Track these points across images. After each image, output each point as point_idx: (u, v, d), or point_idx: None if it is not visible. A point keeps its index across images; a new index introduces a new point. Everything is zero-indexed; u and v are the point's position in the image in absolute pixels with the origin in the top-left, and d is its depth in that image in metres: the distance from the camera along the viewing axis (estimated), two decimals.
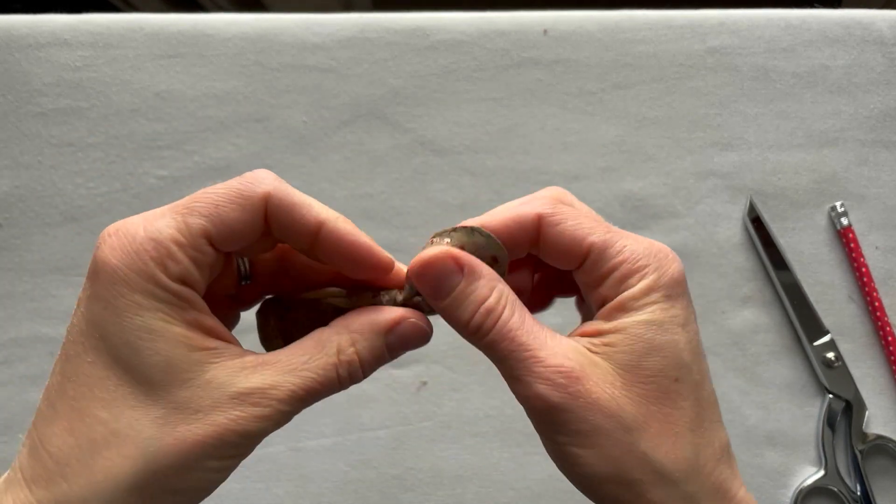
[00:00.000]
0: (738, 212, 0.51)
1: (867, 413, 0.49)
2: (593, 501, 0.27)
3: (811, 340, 0.50)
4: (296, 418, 0.47)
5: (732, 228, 0.51)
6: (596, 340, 0.26)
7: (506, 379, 0.26)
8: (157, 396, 0.23)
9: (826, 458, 0.49)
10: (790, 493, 0.49)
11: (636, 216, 0.51)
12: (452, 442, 0.49)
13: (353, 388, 0.51)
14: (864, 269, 0.50)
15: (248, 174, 0.26)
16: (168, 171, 0.50)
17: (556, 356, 0.25)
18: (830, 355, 0.49)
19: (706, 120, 0.52)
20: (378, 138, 0.51)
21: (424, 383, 0.50)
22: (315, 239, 0.26)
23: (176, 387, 0.23)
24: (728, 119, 0.52)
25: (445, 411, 0.49)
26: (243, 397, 0.24)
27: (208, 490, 0.25)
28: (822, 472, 0.49)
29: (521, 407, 0.27)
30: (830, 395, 0.49)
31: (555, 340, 0.26)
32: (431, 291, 0.26)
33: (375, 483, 0.49)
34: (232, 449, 0.24)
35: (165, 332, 0.24)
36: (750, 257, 0.51)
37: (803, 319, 0.50)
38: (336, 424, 0.49)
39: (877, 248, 0.51)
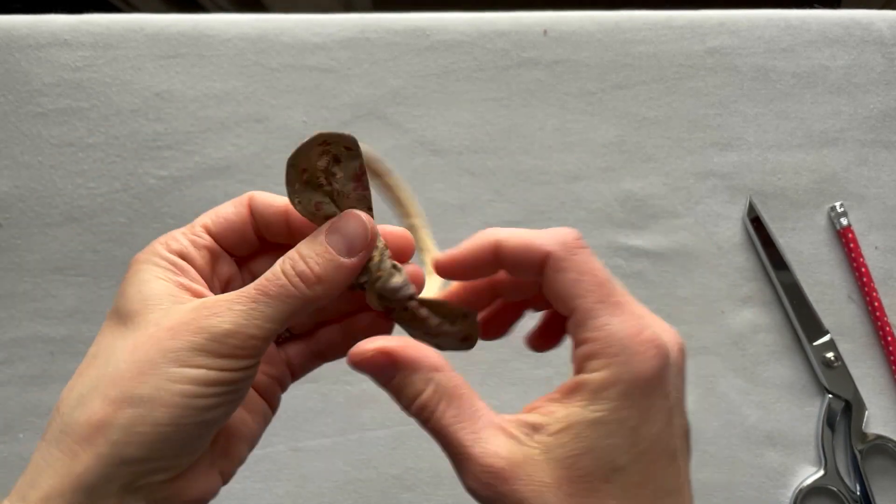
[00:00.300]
0: (738, 212, 0.51)
1: (867, 413, 0.49)
2: None
3: (811, 340, 0.50)
4: (296, 418, 0.47)
5: (732, 228, 0.51)
6: (541, 427, 0.25)
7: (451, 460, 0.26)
8: (132, 322, 0.26)
9: (826, 458, 0.49)
10: (790, 492, 0.49)
11: (636, 216, 0.51)
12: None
13: (353, 388, 0.52)
14: (863, 269, 0.50)
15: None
16: (168, 171, 0.50)
17: (487, 455, 0.25)
18: (830, 355, 0.49)
19: (706, 120, 0.52)
20: (378, 138, 0.51)
21: None
22: (286, 220, 0.29)
23: (147, 311, 0.26)
24: (728, 119, 0.52)
25: None
26: (201, 305, 0.26)
27: (189, 406, 0.24)
28: (821, 472, 0.49)
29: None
30: (830, 395, 0.49)
31: (490, 434, 0.25)
32: (373, 379, 0.28)
33: (375, 483, 0.49)
34: (195, 355, 0.25)
35: (152, 281, 0.27)
36: (750, 257, 0.51)
37: (803, 319, 0.50)
38: (336, 424, 0.49)
39: (876, 248, 0.51)
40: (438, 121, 0.51)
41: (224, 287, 0.30)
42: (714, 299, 0.51)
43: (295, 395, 0.49)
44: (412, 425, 0.49)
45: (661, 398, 0.25)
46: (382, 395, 0.51)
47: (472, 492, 0.25)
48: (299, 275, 0.26)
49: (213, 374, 0.25)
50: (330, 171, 0.27)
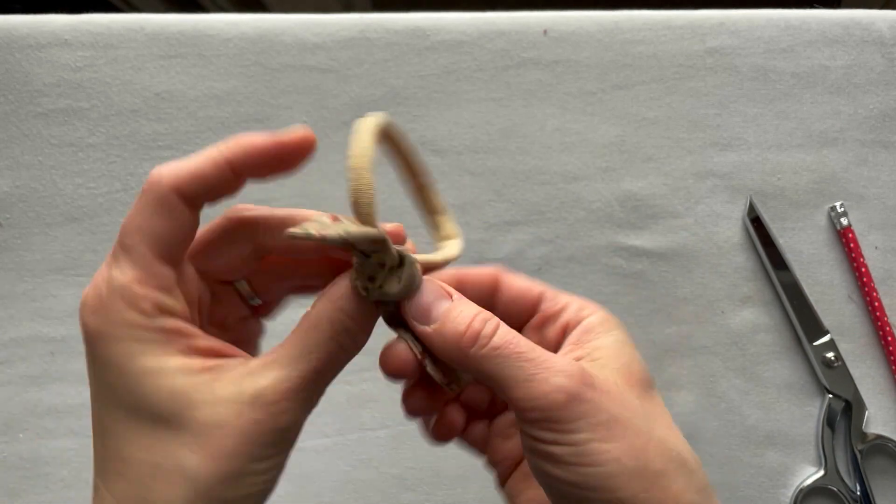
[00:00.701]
0: (738, 212, 0.51)
1: (867, 413, 0.49)
2: None
3: (811, 340, 0.50)
4: None
5: (732, 228, 0.51)
6: (583, 356, 0.28)
7: (511, 385, 0.25)
8: (178, 425, 0.24)
9: (826, 458, 0.49)
10: (790, 492, 0.49)
11: (636, 216, 0.51)
12: (452, 442, 0.49)
13: (354, 388, 0.52)
14: (863, 269, 0.50)
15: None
16: None
17: (561, 359, 0.25)
18: (830, 355, 0.49)
19: (706, 120, 0.52)
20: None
21: None
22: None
23: (191, 410, 0.24)
24: (728, 119, 0.52)
25: None
26: (256, 399, 0.24)
27: (268, 489, 0.25)
28: (821, 472, 0.49)
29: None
30: (830, 395, 0.49)
31: (554, 357, 0.26)
32: (422, 314, 0.27)
33: (376, 483, 0.49)
34: (269, 449, 0.24)
35: (162, 368, 0.24)
36: (750, 257, 0.51)
37: (803, 319, 0.50)
38: (336, 424, 0.49)
39: (876, 248, 0.51)
40: (438, 121, 0.51)
41: (199, 303, 0.27)
42: (714, 299, 0.51)
43: None
44: (412, 425, 0.49)
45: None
46: (382, 395, 0.51)
47: (560, 390, 0.24)
48: (352, 339, 0.26)
49: (281, 459, 0.25)
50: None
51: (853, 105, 0.52)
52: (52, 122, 0.50)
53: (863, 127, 0.52)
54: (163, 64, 0.50)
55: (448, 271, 0.30)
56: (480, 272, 0.30)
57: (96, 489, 0.25)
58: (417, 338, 0.27)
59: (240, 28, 0.51)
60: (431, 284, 0.27)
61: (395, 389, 0.50)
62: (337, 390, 0.50)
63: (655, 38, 0.52)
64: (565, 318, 0.29)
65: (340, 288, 0.26)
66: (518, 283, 0.30)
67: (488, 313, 0.26)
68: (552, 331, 0.30)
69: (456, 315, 0.26)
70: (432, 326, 0.26)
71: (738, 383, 0.50)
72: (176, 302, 0.25)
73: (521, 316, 0.30)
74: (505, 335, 0.26)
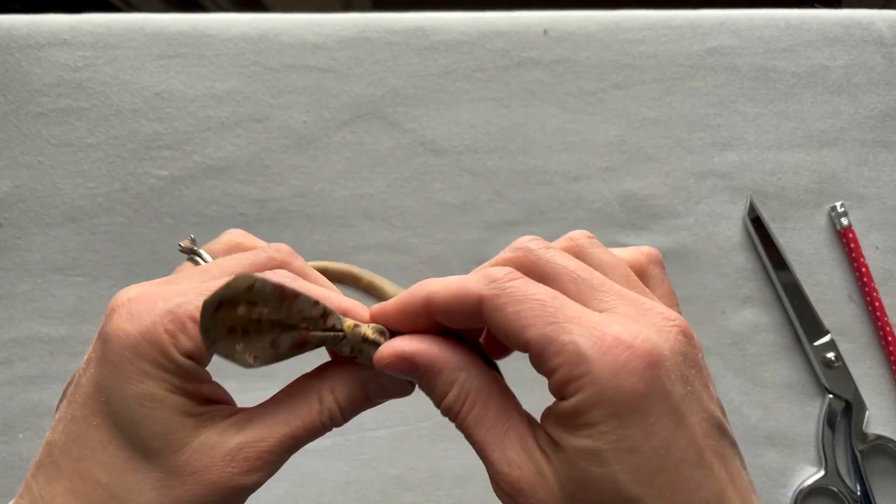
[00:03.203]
0: (738, 212, 0.51)
1: (867, 413, 0.49)
2: None
3: (811, 340, 0.50)
4: None
5: (732, 228, 0.51)
6: (558, 446, 0.23)
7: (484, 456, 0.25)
8: (155, 462, 0.25)
9: (826, 458, 0.49)
10: (790, 492, 0.49)
11: (636, 216, 0.51)
12: (452, 442, 0.49)
13: None
14: (864, 270, 0.50)
15: (268, 247, 0.28)
16: (168, 171, 0.50)
17: (506, 462, 0.24)
18: (830, 355, 0.49)
19: (706, 120, 0.52)
20: (378, 138, 0.51)
21: None
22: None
23: (172, 452, 0.25)
24: (728, 119, 0.52)
25: None
26: (233, 454, 0.25)
27: None
28: (822, 472, 0.49)
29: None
30: (830, 395, 0.49)
31: (512, 441, 0.24)
32: (398, 388, 0.27)
33: (375, 483, 0.49)
34: (229, 503, 0.25)
35: (166, 401, 0.25)
36: (750, 257, 0.51)
37: (803, 319, 0.50)
38: None
39: (877, 248, 0.51)
40: (438, 121, 0.51)
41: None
42: (714, 299, 0.51)
43: None
44: (412, 425, 0.49)
45: (659, 402, 0.22)
46: None
47: (496, 493, 0.25)
48: (332, 421, 0.27)
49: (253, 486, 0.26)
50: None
51: (853, 105, 0.52)
52: (51, 121, 0.50)
53: (863, 127, 0.52)
54: (162, 64, 0.50)
55: (378, 307, 0.27)
56: (405, 303, 0.26)
57: (28, 488, 0.26)
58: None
59: (240, 28, 0.51)
60: (395, 363, 0.25)
61: None
62: None
63: (655, 37, 0.52)
64: (556, 385, 0.23)
65: (344, 374, 0.27)
66: (501, 326, 0.24)
67: (456, 390, 0.25)
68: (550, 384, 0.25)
69: (428, 393, 0.26)
70: (420, 386, 0.27)
71: (739, 383, 0.50)
72: (200, 349, 0.25)
73: (470, 322, 0.26)
74: (461, 424, 0.25)
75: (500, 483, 0.24)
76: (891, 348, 0.50)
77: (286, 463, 0.27)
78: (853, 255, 0.50)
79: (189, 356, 0.25)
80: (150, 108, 0.50)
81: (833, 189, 0.52)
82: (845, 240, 0.51)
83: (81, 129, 0.50)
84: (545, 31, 0.52)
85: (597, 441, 0.22)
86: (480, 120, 0.51)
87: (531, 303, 0.23)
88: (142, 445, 0.24)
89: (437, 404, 0.26)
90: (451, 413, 0.25)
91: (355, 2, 1.21)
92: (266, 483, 0.26)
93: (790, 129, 0.52)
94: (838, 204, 0.51)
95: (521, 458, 0.24)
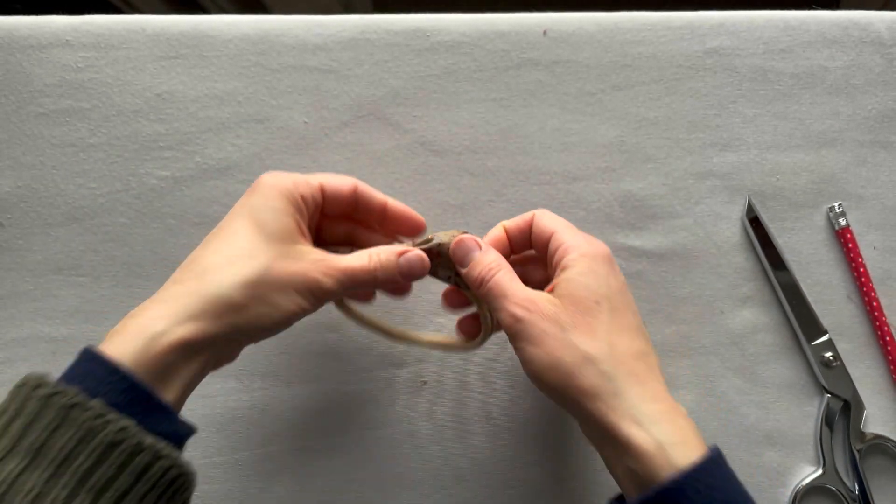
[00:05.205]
0: (737, 212, 0.51)
1: (865, 412, 0.49)
2: (544, 392, 0.38)
3: (810, 340, 0.50)
4: (297, 418, 0.47)
5: (731, 229, 0.51)
6: (554, 286, 0.39)
7: (495, 313, 0.40)
8: (275, 245, 0.38)
9: (824, 458, 0.49)
10: (789, 492, 0.49)
11: (635, 216, 0.51)
12: (452, 441, 0.49)
13: (354, 388, 0.52)
14: (862, 269, 0.50)
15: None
16: (169, 171, 0.50)
17: (523, 292, 0.38)
18: (829, 355, 0.50)
19: (705, 120, 0.52)
20: (378, 139, 0.51)
21: (424, 383, 0.50)
22: (384, 214, 0.44)
23: (286, 243, 0.39)
24: (727, 120, 0.52)
25: (445, 411, 0.50)
26: (317, 261, 0.39)
27: (281, 321, 0.38)
28: (820, 472, 0.49)
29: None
30: (829, 395, 0.50)
31: (523, 287, 0.39)
32: (461, 257, 0.41)
33: (375, 482, 0.49)
34: (306, 292, 0.38)
35: (287, 214, 0.39)
36: (749, 257, 0.51)
37: (802, 319, 0.50)
38: (337, 424, 0.49)
39: (875, 248, 0.51)
40: (438, 121, 0.51)
41: (307, 232, 0.42)
42: (713, 299, 0.51)
43: (296, 395, 0.50)
44: (412, 425, 0.49)
45: (616, 269, 0.40)
46: (382, 395, 0.51)
47: (512, 315, 0.37)
48: (381, 266, 0.41)
49: (308, 306, 0.39)
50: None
51: (852, 105, 0.52)
52: (53, 122, 0.50)
53: (861, 127, 0.52)
54: (164, 65, 0.51)
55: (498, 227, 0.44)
56: (522, 218, 0.43)
57: (183, 263, 0.38)
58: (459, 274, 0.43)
59: (240, 29, 0.51)
60: (468, 240, 0.41)
61: (396, 389, 0.50)
62: (337, 390, 0.50)
63: (655, 38, 0.52)
64: (558, 257, 0.40)
65: (384, 248, 0.41)
66: (540, 226, 0.42)
67: (494, 263, 0.40)
68: (551, 266, 0.41)
69: (475, 263, 0.41)
70: (464, 270, 0.41)
71: (738, 383, 0.50)
72: (312, 203, 0.41)
73: (540, 248, 0.42)
74: (498, 279, 0.39)
75: (520, 303, 0.38)
76: (889, 348, 0.50)
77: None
78: (851, 255, 0.51)
79: (302, 197, 0.40)
80: (151, 109, 0.50)
81: (831, 189, 0.52)
82: (843, 240, 0.51)
83: (83, 129, 0.50)
84: (545, 32, 0.52)
85: (584, 268, 0.39)
86: (480, 120, 0.51)
87: (553, 220, 0.42)
88: (269, 233, 0.38)
89: (480, 272, 0.40)
90: (490, 272, 0.40)
91: (356, 3, 1.21)
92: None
93: (789, 129, 0.52)
94: (836, 204, 0.51)
95: (530, 291, 0.39)
